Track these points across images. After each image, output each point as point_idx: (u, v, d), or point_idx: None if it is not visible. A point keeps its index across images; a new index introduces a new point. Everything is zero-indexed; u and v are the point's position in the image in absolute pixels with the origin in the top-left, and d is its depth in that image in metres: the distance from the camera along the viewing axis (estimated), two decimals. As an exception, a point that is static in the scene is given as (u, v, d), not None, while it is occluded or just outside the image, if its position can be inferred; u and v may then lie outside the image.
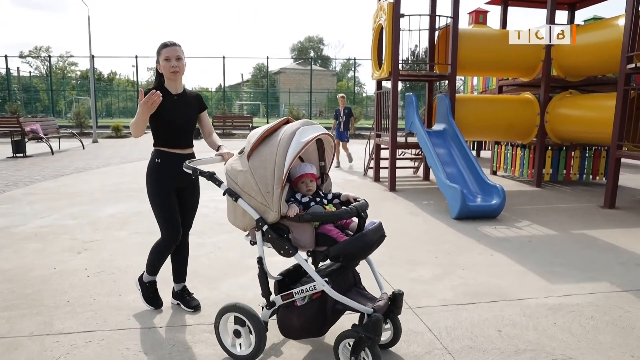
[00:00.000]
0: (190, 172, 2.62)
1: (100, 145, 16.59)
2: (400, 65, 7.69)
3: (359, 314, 2.43)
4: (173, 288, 3.33)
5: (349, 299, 2.37)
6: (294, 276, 2.72)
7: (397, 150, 8.33)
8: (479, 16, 13.03)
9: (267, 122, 24.18)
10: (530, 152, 8.86)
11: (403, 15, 7.56)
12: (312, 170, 2.55)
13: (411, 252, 4.54)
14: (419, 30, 7.88)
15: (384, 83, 8.84)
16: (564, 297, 3.50)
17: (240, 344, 2.58)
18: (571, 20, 9.61)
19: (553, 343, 2.80)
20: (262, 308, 2.55)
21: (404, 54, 7.92)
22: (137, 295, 3.42)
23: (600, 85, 8.71)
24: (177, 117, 2.98)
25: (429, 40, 8.35)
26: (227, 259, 4.30)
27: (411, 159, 10.31)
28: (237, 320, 2.55)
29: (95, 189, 7.74)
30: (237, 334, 2.56)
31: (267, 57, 30.66)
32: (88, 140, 17.87)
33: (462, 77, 15.02)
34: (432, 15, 8.30)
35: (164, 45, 2.95)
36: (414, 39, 7.97)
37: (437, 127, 7.75)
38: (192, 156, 3.05)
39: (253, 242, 2.53)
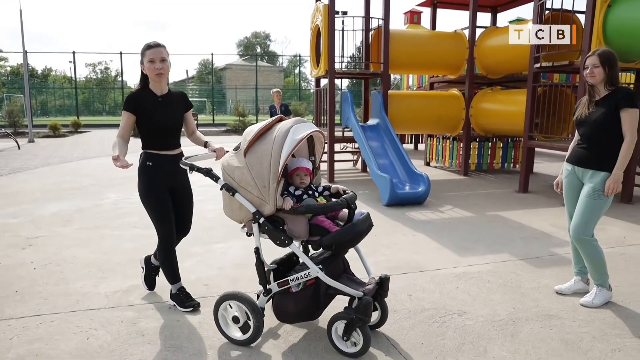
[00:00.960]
0: (187, 168, 2.75)
1: (37, 145, 16.07)
2: (336, 64, 8.16)
3: (349, 297, 2.69)
4: (171, 290, 3.30)
5: (341, 283, 2.58)
6: (288, 265, 2.89)
7: (340, 144, 8.81)
8: (414, 16, 13.80)
9: (213, 120, 23.88)
10: (458, 143, 9.61)
11: (338, 13, 8.02)
12: (307, 165, 2.71)
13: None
14: (353, 30, 8.39)
15: (322, 80, 9.29)
16: (469, 266, 4.07)
17: (239, 329, 2.71)
18: (494, 21, 10.43)
19: (453, 302, 3.33)
20: (258, 296, 2.73)
21: (342, 52, 8.37)
22: (86, 281, 3.67)
23: (518, 82, 9.57)
24: (163, 118, 3.00)
25: (363, 40, 8.86)
26: (172, 247, 4.58)
27: (352, 152, 10.84)
28: (235, 308, 2.69)
29: (36, 189, 7.70)
30: (235, 320, 2.69)
31: (212, 54, 30.50)
32: (23, 140, 17.22)
33: (399, 75, 15.75)
34: (366, 17, 8.82)
35: (148, 47, 2.92)
36: (350, 38, 8.47)
37: (372, 121, 8.29)
38: (181, 156, 3.05)
39: (249, 234, 2.69)
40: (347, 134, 8.62)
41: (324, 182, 8.87)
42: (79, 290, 3.52)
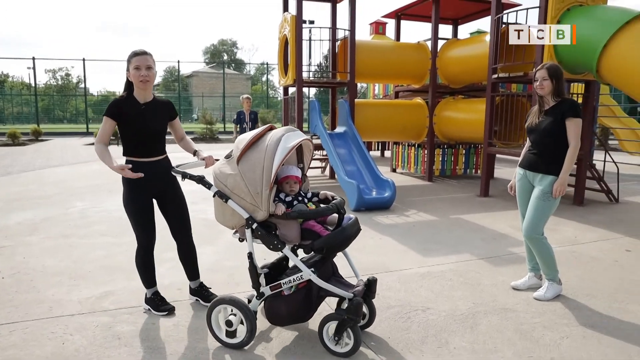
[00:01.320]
0: (179, 176, 2.82)
1: (-4, 154, 15.56)
2: (304, 73, 8.34)
3: (337, 300, 2.82)
4: (189, 285, 3.49)
5: (332, 285, 2.69)
6: (278, 269, 2.98)
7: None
8: (379, 27, 14.20)
9: (180, 127, 23.73)
10: (422, 150, 9.95)
11: (306, 22, 8.22)
12: (297, 173, 2.80)
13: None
14: (320, 40, 8.61)
15: (290, 88, 9.46)
16: (433, 266, 4.29)
17: (233, 333, 2.76)
18: (455, 33, 10.87)
19: (417, 299, 3.53)
20: (249, 300, 2.80)
21: (309, 61, 8.58)
22: (57, 289, 3.68)
23: (478, 91, 10.01)
24: (145, 125, 3.02)
25: (330, 50, 9.10)
26: (143, 254, 4.61)
27: (320, 159, 11.03)
28: (228, 312, 2.77)
29: (-2, 198, 7.53)
30: (229, 324, 2.74)
31: (178, 61, 30.15)
32: (-19, 148, 16.63)
33: (365, 84, 16.11)
34: (333, 28, 9.06)
35: (135, 54, 2.94)
36: (318, 48, 8.70)
37: (339, 129, 8.50)
38: (166, 161, 3.16)
39: (242, 239, 2.76)
40: (315, 141, 8.79)
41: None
42: (50, 297, 3.54)
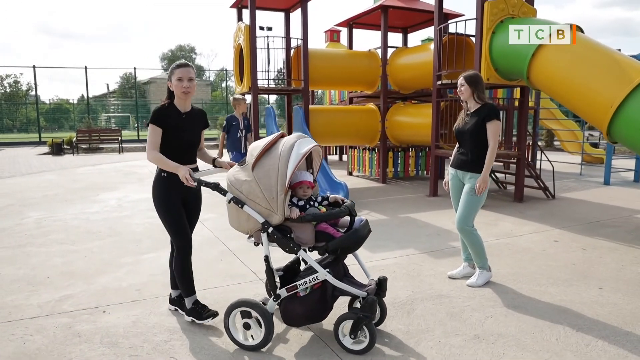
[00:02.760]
0: (196, 184, 2.86)
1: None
2: (259, 81, 8.58)
3: (349, 299, 2.96)
4: (170, 294, 3.48)
5: (346, 285, 2.80)
6: (292, 271, 3.11)
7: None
8: (333, 35, 14.60)
9: (138, 136, 23.05)
10: (376, 154, 10.36)
11: (263, 28, 8.47)
12: (310, 179, 2.90)
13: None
14: (274, 49, 8.88)
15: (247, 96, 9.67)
16: (379, 260, 4.62)
17: (251, 336, 2.85)
18: (405, 41, 11.38)
19: (362, 290, 3.83)
20: (263, 303, 2.83)
21: (267, 68, 8.83)
22: (16, 295, 3.78)
23: (427, 97, 10.53)
24: (184, 134, 3.10)
25: (284, 58, 9.38)
26: (103, 259, 4.73)
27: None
28: (245, 314, 2.83)
29: (-52, 211, 7.37)
30: (246, 326, 2.83)
31: (135, 68, 29.67)
32: None
33: (321, 90, 16.50)
34: (287, 37, 9.35)
35: (178, 66, 3.05)
36: (272, 55, 8.92)
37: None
38: (196, 171, 3.17)
39: (257, 243, 2.86)
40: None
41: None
42: (9, 303, 3.63)
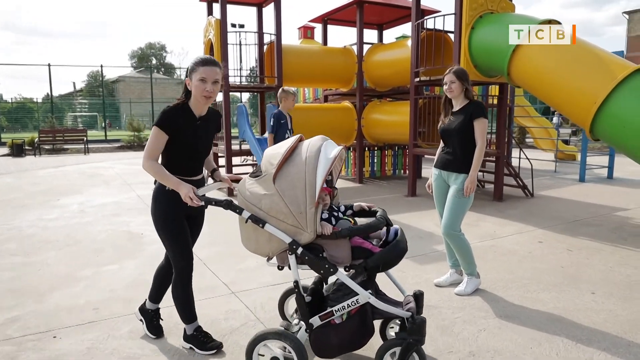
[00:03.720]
0: (203, 203, 2.46)
1: None
2: (231, 78, 8.21)
3: (381, 321, 2.62)
4: (145, 304, 3.06)
5: (389, 305, 2.41)
6: (318, 294, 2.70)
7: (240, 158, 8.83)
8: (307, 31, 14.28)
9: (106, 136, 22.23)
10: (352, 153, 10.11)
11: (235, 26, 8.10)
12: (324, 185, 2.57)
13: (241, 248, 5.04)
14: (247, 44, 8.51)
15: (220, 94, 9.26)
16: (361, 268, 4.34)
17: None
18: (380, 38, 11.16)
19: (344, 302, 3.54)
20: (287, 331, 2.49)
21: (240, 65, 8.46)
22: (-47, 318, 3.34)
23: (404, 94, 10.33)
24: (198, 142, 2.67)
25: (258, 54, 9.02)
26: (58, 273, 4.30)
27: (252, 165, 10.90)
28: (272, 349, 2.46)
29: None
30: None
31: (102, 66, 28.61)
32: None
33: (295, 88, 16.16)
34: (259, 32, 8.99)
35: (203, 62, 2.55)
36: (245, 52, 8.57)
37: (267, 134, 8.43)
38: (202, 182, 2.78)
39: (281, 267, 2.47)
40: (244, 147, 8.68)
41: (220, 195, 8.77)
42: (-55, 328, 3.19)
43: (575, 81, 5.40)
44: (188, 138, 2.59)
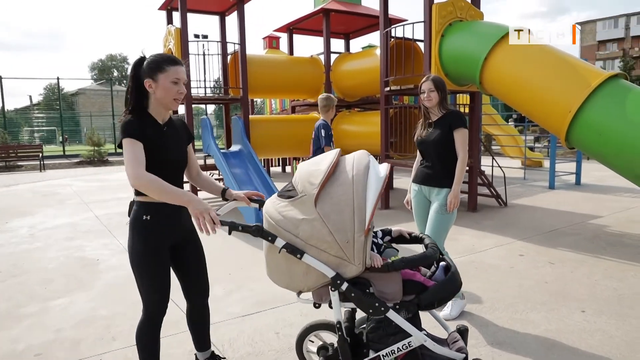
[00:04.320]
0: (226, 231, 2.03)
1: None
2: (193, 90, 7.81)
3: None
4: (196, 357, 2.63)
5: (443, 348, 2.11)
6: (354, 334, 2.35)
7: (206, 173, 8.38)
8: (272, 41, 14.01)
9: (64, 151, 21.19)
10: (322, 165, 9.83)
11: (199, 36, 7.73)
12: None
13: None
14: (209, 55, 8.15)
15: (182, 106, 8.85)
16: (337, 292, 4.03)
17: None
18: (347, 47, 10.99)
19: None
20: None
21: (204, 77, 8.07)
22: None
23: (373, 104, 10.16)
24: (168, 152, 2.23)
25: (220, 65, 8.66)
26: (-4, 312, 3.81)
27: (218, 180, 10.46)
28: None
29: None
30: None
31: (58, 78, 27.39)
32: None
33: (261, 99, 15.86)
34: (222, 42, 8.64)
35: (173, 61, 2.18)
36: (208, 63, 8.16)
37: (234, 148, 8.07)
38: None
39: (318, 305, 2.12)
40: (209, 161, 8.28)
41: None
42: None
43: (549, 89, 5.29)
44: (158, 147, 2.17)
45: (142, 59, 2.20)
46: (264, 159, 11.02)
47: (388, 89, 7.40)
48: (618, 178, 8.59)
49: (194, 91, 7.84)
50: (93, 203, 9.12)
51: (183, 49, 7.51)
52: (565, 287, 4.02)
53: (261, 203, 2.34)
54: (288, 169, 14.53)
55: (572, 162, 11.57)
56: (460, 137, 3.35)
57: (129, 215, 2.26)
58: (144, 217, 2.19)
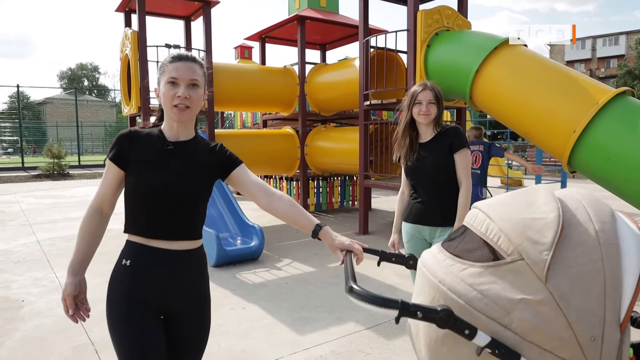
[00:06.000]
0: (367, 306, 1.14)
1: None
2: (152, 100, 7.01)
3: None
4: None
5: None
6: None
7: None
8: (244, 51, 13.30)
9: (23, 163, 19.97)
10: (295, 184, 9.10)
11: (171, 46, 6.95)
12: None
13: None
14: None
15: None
16: (310, 349, 3.27)
17: None
18: (323, 59, 10.36)
19: (287, 421, 2.46)
20: None
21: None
22: None
23: (350, 119, 9.53)
24: (167, 179, 1.61)
25: (185, 73, 7.88)
26: None
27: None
28: None
29: None
30: None
31: (18, 85, 25.95)
32: None
33: (232, 112, 15.09)
34: (187, 48, 7.89)
35: (176, 58, 1.61)
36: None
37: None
38: (195, 255, 1.67)
39: None
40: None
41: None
42: None
43: (550, 106, 4.71)
44: (149, 170, 1.60)
45: None
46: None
47: (368, 102, 6.75)
48: (610, 199, 8.12)
49: (154, 102, 7.03)
50: (39, 224, 8.14)
51: (141, 55, 6.71)
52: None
53: (413, 260, 1.55)
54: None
55: (558, 182, 11.15)
56: (463, 161, 2.68)
57: None
58: (124, 261, 1.61)
